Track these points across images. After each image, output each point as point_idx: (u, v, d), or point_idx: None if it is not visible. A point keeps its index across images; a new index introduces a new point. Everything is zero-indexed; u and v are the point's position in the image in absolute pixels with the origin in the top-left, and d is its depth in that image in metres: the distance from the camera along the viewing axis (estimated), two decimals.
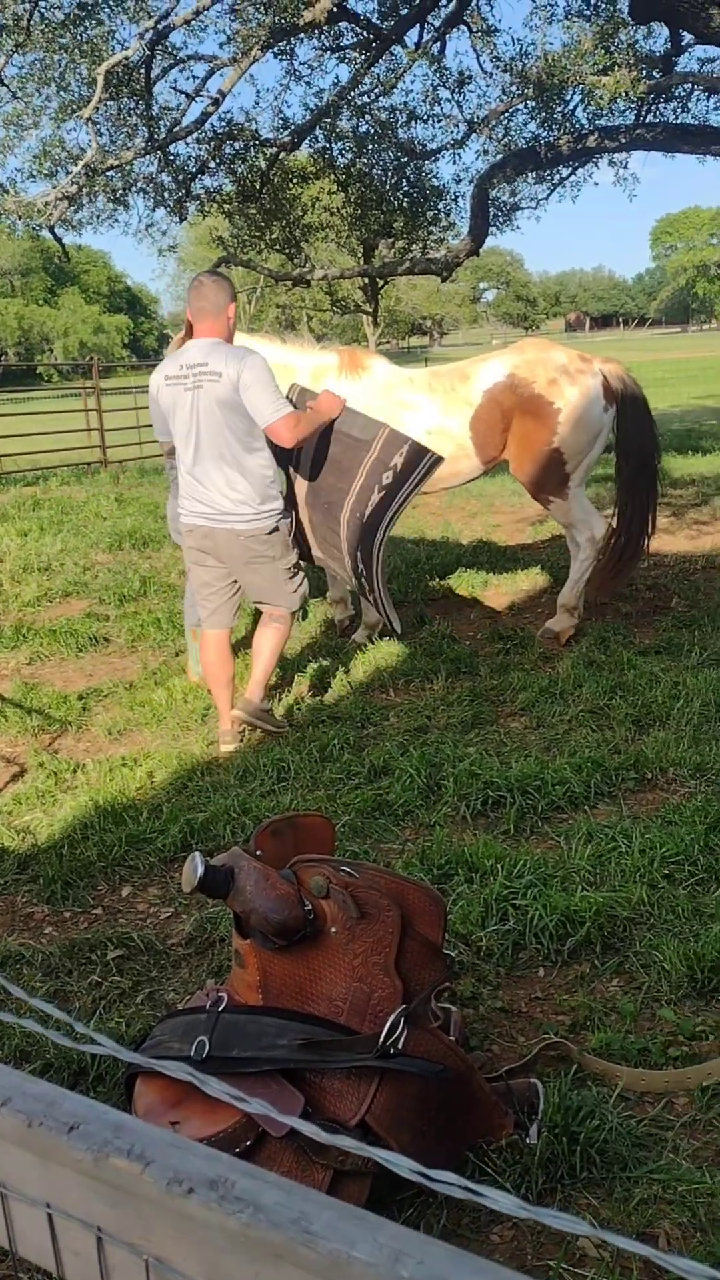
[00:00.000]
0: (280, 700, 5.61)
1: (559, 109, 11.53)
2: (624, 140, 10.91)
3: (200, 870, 2.20)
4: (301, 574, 5.21)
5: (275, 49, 10.83)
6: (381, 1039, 2.15)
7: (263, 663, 5.14)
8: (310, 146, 12.68)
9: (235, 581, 5.10)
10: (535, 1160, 2.30)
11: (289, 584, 5.10)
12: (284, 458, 5.35)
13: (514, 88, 11.55)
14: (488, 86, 13.96)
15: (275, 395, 4.75)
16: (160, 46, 10.57)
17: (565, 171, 13.08)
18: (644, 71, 9.50)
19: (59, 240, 11.59)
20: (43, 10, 9.46)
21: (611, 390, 6.23)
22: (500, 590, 7.71)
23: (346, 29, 11.93)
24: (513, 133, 12.54)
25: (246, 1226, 0.69)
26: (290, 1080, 2.13)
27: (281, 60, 11.82)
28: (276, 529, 4.96)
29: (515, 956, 3.19)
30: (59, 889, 3.75)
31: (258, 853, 2.38)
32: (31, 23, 9.21)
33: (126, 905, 3.70)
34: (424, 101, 12.74)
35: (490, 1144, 2.34)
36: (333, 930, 2.25)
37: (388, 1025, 2.16)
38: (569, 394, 6.08)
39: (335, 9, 10.14)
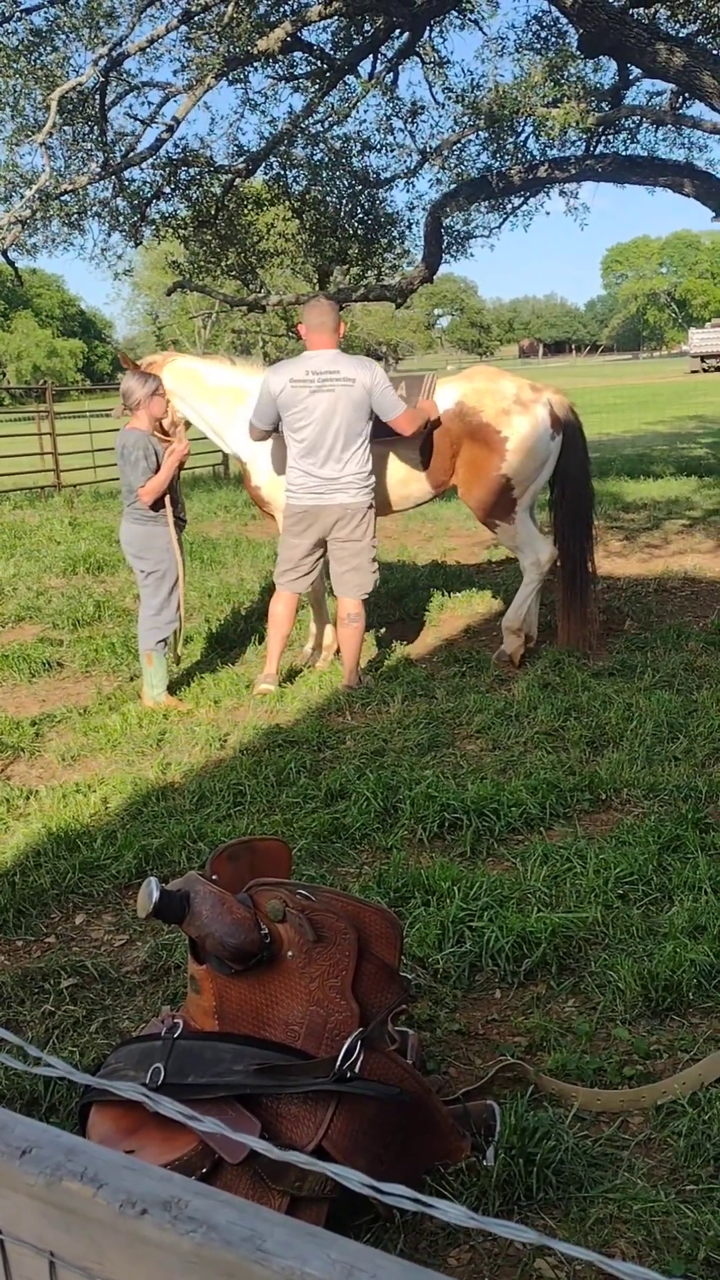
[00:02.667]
0: (236, 724, 5.60)
1: (510, 140, 11.73)
2: (574, 171, 11.09)
3: (155, 895, 2.19)
4: (377, 563, 6.19)
5: (229, 77, 10.92)
6: (338, 1063, 2.15)
7: (352, 654, 6.13)
8: (265, 173, 12.78)
9: (320, 557, 6.13)
10: (492, 1182, 2.30)
11: (370, 565, 6.09)
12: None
13: (466, 118, 11.74)
14: (440, 117, 14.14)
15: (397, 396, 5.90)
16: (115, 73, 10.61)
17: (517, 201, 13.27)
18: (593, 104, 9.68)
19: (11, 264, 11.55)
20: None
21: (558, 419, 6.34)
22: (456, 613, 7.76)
23: (300, 58, 12.06)
24: (465, 162, 12.73)
25: (200, 1246, 0.69)
26: (246, 1106, 2.12)
27: (236, 88, 11.93)
28: (371, 507, 6.00)
29: (472, 978, 3.20)
30: (11, 917, 3.71)
31: (214, 877, 2.37)
32: None
33: (80, 933, 3.66)
34: (377, 131, 12.91)
35: (447, 1167, 2.34)
36: (289, 954, 2.24)
37: (344, 1049, 2.16)
38: (518, 424, 6.18)
39: (289, 39, 10.24)
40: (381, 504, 6.27)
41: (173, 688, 6.10)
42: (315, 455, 5.81)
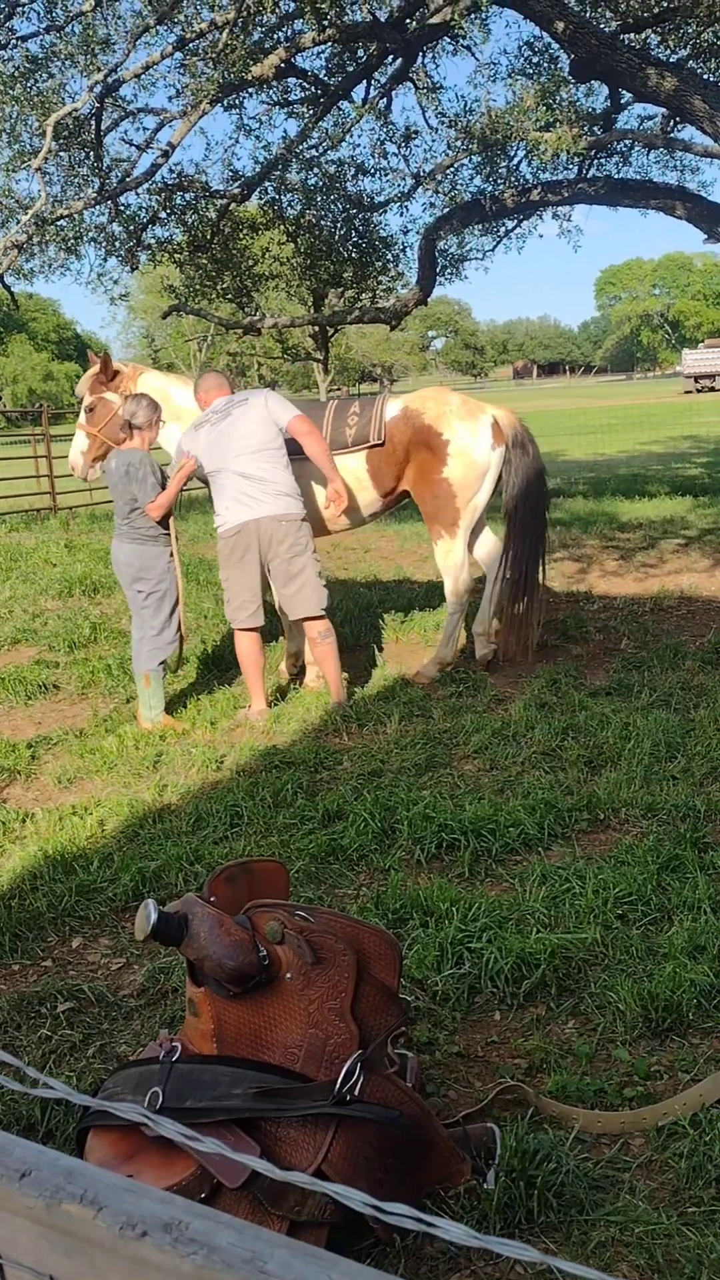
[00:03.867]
0: (233, 745, 5.59)
1: (503, 163, 11.82)
2: (567, 194, 11.19)
3: (154, 917, 2.18)
4: (323, 576, 6.14)
5: (224, 103, 11.02)
6: (338, 1086, 2.13)
7: (333, 672, 6.12)
8: (260, 198, 12.87)
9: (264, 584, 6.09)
10: (493, 1205, 2.28)
11: (316, 579, 6.01)
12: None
13: (459, 143, 11.84)
14: (433, 141, 14.25)
15: (289, 405, 6.08)
16: (110, 99, 10.70)
17: (510, 224, 13.38)
18: (585, 128, 9.76)
19: (8, 288, 11.61)
20: None
21: (500, 433, 6.55)
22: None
23: (295, 84, 12.17)
24: (458, 186, 12.83)
25: (201, 1268, 0.68)
26: (245, 1130, 2.10)
27: (231, 114, 12.04)
28: (305, 520, 6.00)
29: (471, 1000, 3.18)
30: (7, 941, 3.69)
31: (212, 899, 2.36)
32: None
33: (77, 957, 3.64)
34: (371, 155, 13.03)
35: (448, 1190, 2.33)
36: (288, 976, 2.24)
37: (344, 1072, 2.15)
38: (459, 429, 6.43)
39: (283, 65, 10.34)
40: (334, 517, 6.45)
41: (169, 708, 6.10)
42: (234, 470, 5.80)
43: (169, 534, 6.02)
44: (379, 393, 7.99)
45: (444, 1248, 2.23)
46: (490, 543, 6.92)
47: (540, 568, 6.74)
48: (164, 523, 5.95)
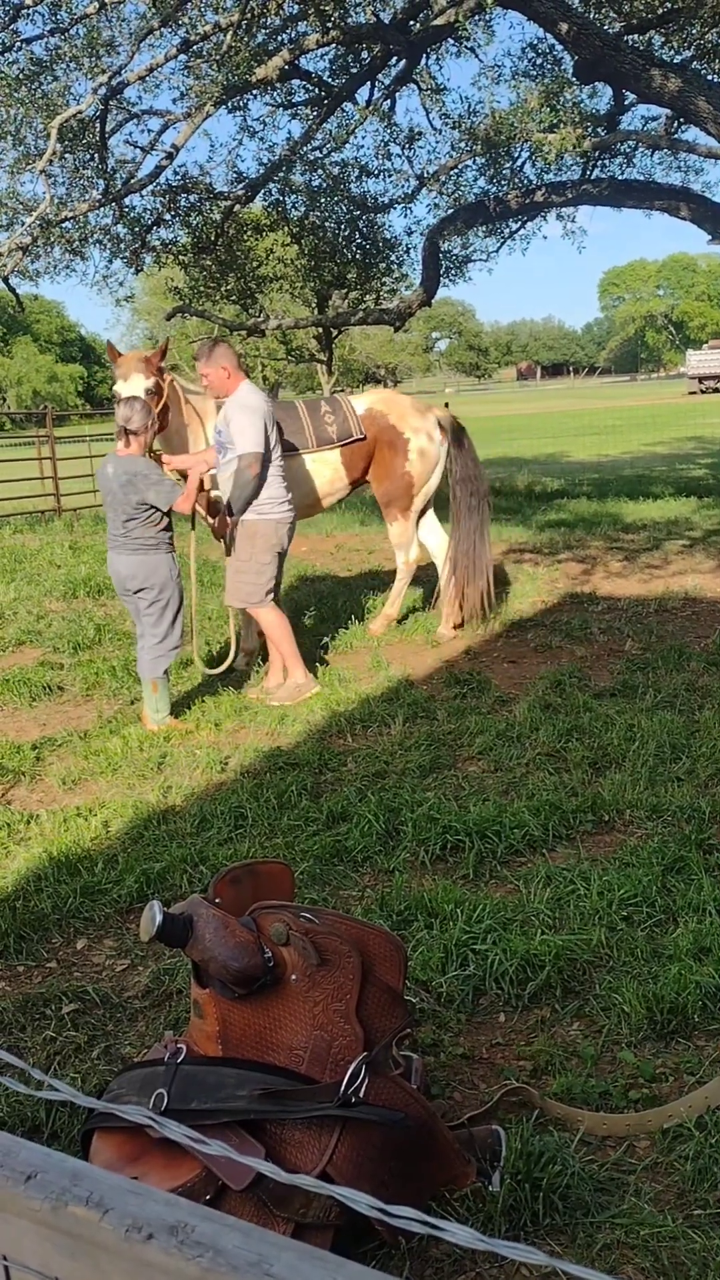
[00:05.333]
0: (237, 747, 5.59)
1: (507, 165, 11.83)
2: (571, 195, 11.19)
3: (158, 918, 2.18)
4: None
5: (229, 104, 11.03)
6: (343, 1088, 2.13)
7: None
8: (264, 200, 12.89)
9: None
10: (498, 1208, 2.28)
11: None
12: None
13: (463, 144, 11.84)
14: (437, 143, 14.27)
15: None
16: (115, 101, 10.72)
17: (514, 225, 13.38)
18: (589, 129, 9.77)
19: (13, 290, 11.63)
20: None
21: (444, 430, 7.63)
22: (457, 635, 7.75)
23: (299, 86, 12.19)
24: (462, 187, 12.84)
25: (206, 1271, 0.68)
26: (250, 1131, 2.10)
27: (235, 115, 12.06)
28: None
29: (476, 1002, 3.18)
30: (12, 942, 3.69)
31: (216, 901, 2.36)
32: None
33: (81, 958, 3.64)
34: (375, 156, 13.05)
35: (453, 1193, 2.32)
36: (293, 978, 2.23)
37: (349, 1073, 2.15)
38: (415, 425, 7.49)
39: (287, 66, 10.35)
40: (314, 502, 7.36)
41: (174, 710, 6.09)
42: (277, 461, 6.24)
43: (170, 539, 5.95)
44: (322, 395, 8.38)
45: (449, 1250, 2.23)
46: (440, 535, 7.94)
47: (486, 540, 7.71)
48: (166, 528, 5.88)
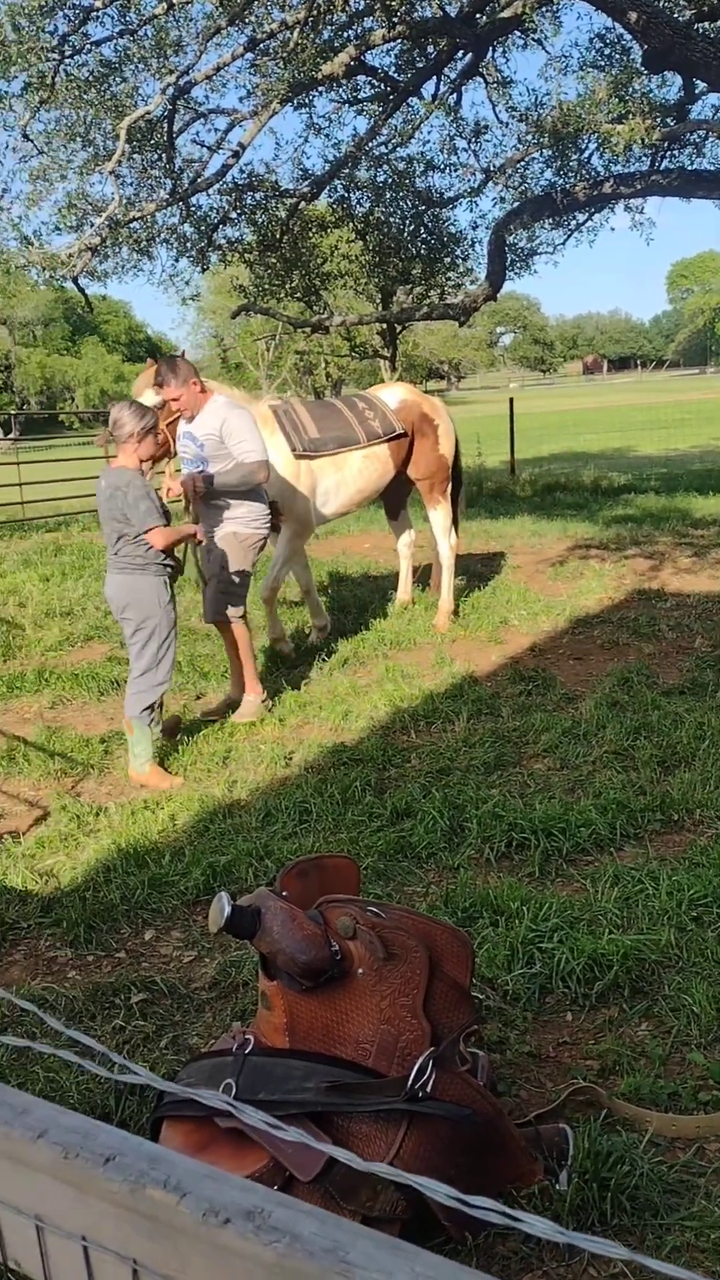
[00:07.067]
0: (301, 742, 5.61)
1: (574, 157, 11.73)
2: (640, 186, 11.05)
3: (227, 910, 2.20)
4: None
5: (295, 102, 11.07)
6: (410, 1082, 2.13)
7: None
8: (329, 196, 12.91)
9: None
10: (565, 1206, 2.26)
11: None
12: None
13: (530, 136, 11.76)
14: (504, 136, 14.20)
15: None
16: (182, 101, 10.81)
17: (581, 217, 13.26)
18: (658, 119, 9.65)
19: (82, 291, 11.79)
20: (68, 69, 9.70)
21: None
22: (521, 631, 7.71)
23: (364, 82, 12.19)
24: (529, 180, 12.76)
25: (283, 1256, 0.69)
26: (317, 1124, 2.11)
27: (301, 113, 12.10)
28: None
29: (542, 1000, 3.16)
30: (82, 932, 3.75)
31: (284, 894, 2.38)
32: (57, 80, 9.44)
33: (149, 949, 3.68)
34: (441, 151, 13.00)
35: (519, 1190, 2.31)
36: (360, 972, 2.24)
37: (416, 1068, 2.15)
38: (442, 412, 7.94)
39: (353, 63, 10.36)
40: (366, 498, 7.61)
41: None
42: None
43: (164, 561, 5.21)
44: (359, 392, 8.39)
45: (516, 1248, 2.22)
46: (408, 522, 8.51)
47: (459, 504, 8.36)
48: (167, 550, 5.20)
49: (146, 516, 5.02)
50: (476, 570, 10.15)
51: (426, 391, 10.54)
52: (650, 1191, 2.32)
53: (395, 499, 8.29)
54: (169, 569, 5.27)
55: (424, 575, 8.95)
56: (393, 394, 7.86)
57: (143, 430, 5.11)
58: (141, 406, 5.21)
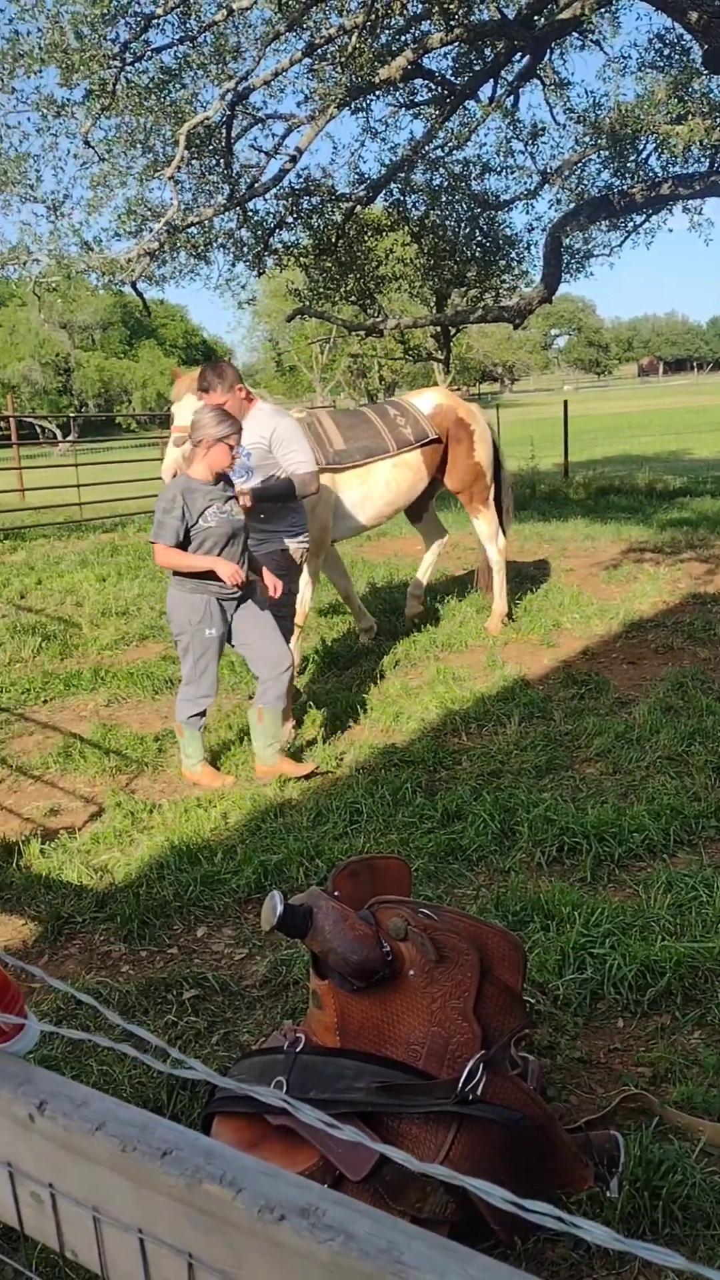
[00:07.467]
0: (353, 743, 5.61)
1: (632, 158, 11.64)
2: (698, 187, 10.93)
3: (279, 909, 2.21)
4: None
5: (352, 106, 11.09)
6: (460, 1085, 2.13)
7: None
8: (385, 200, 12.92)
9: None
10: (616, 1214, 2.25)
11: None
12: None
13: (587, 138, 11.69)
14: (561, 138, 14.11)
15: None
16: (240, 107, 10.88)
17: (639, 219, 13.14)
18: (718, 120, 9.53)
19: (140, 295, 11.91)
20: (129, 75, 9.80)
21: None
22: (573, 634, 7.66)
23: (421, 85, 12.19)
24: (586, 182, 12.67)
25: (338, 1255, 0.69)
26: (367, 1124, 2.11)
27: (358, 117, 12.12)
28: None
29: (593, 1006, 3.14)
30: (136, 928, 3.79)
31: (336, 893, 2.38)
32: (118, 87, 9.55)
33: (201, 945, 3.71)
34: (497, 154, 12.96)
35: (569, 1196, 2.30)
36: (411, 973, 2.24)
37: (466, 1071, 2.14)
38: (478, 417, 7.80)
39: (410, 66, 10.36)
40: (398, 508, 7.45)
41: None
42: None
43: (210, 581, 4.98)
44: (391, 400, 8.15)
45: (565, 1254, 2.21)
46: (434, 524, 8.35)
47: (509, 507, 8.31)
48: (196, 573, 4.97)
49: (160, 531, 4.88)
50: (529, 573, 10.10)
51: (479, 394, 10.34)
52: (703, 1201, 2.29)
53: (418, 502, 7.74)
54: (223, 588, 4.99)
55: (467, 580, 8.92)
56: (427, 399, 7.71)
57: (217, 438, 4.86)
58: (225, 414, 4.96)
